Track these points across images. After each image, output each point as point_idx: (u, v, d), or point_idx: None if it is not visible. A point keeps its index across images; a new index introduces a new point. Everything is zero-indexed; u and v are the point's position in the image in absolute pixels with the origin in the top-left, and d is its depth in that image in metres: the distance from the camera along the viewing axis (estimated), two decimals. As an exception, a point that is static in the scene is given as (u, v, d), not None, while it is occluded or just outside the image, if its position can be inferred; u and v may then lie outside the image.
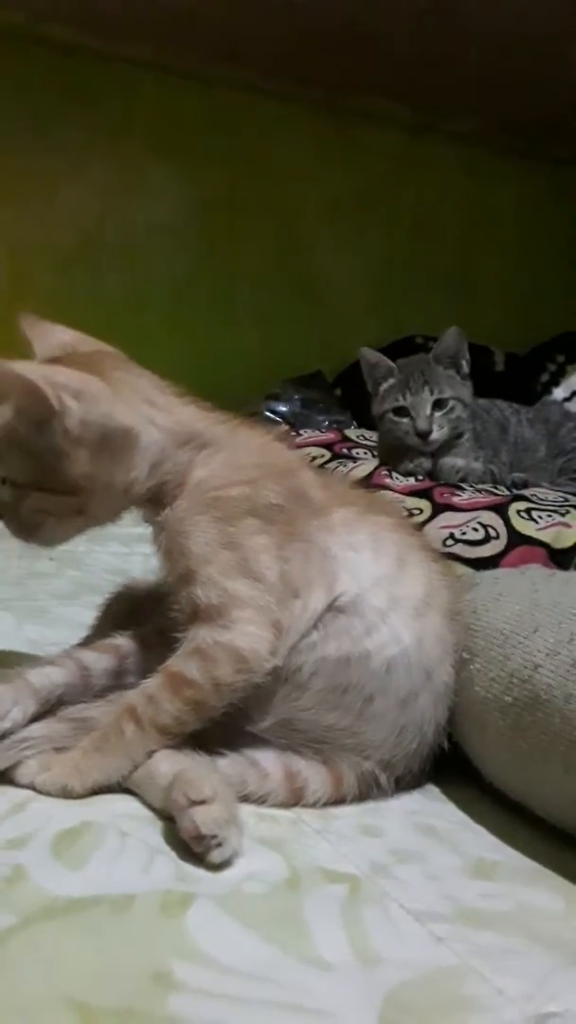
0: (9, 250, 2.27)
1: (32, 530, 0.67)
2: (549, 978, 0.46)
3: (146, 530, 1.92)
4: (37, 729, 0.63)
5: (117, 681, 0.68)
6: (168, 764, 0.60)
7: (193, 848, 0.53)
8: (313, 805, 0.63)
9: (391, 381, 1.61)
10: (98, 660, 0.69)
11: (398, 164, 2.64)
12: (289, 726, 0.64)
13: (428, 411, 1.56)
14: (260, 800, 0.62)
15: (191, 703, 0.61)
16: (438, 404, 1.57)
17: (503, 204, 2.76)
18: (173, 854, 0.55)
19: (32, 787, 0.60)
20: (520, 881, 0.57)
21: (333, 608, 0.64)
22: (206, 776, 0.57)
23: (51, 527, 0.68)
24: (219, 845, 0.53)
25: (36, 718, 0.64)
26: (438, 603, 0.68)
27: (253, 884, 0.52)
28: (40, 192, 2.28)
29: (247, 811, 0.60)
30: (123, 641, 0.70)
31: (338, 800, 0.64)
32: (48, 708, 0.65)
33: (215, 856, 0.53)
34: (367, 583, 0.65)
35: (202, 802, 0.54)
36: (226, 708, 0.62)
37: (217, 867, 0.53)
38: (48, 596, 1.19)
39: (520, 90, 2.34)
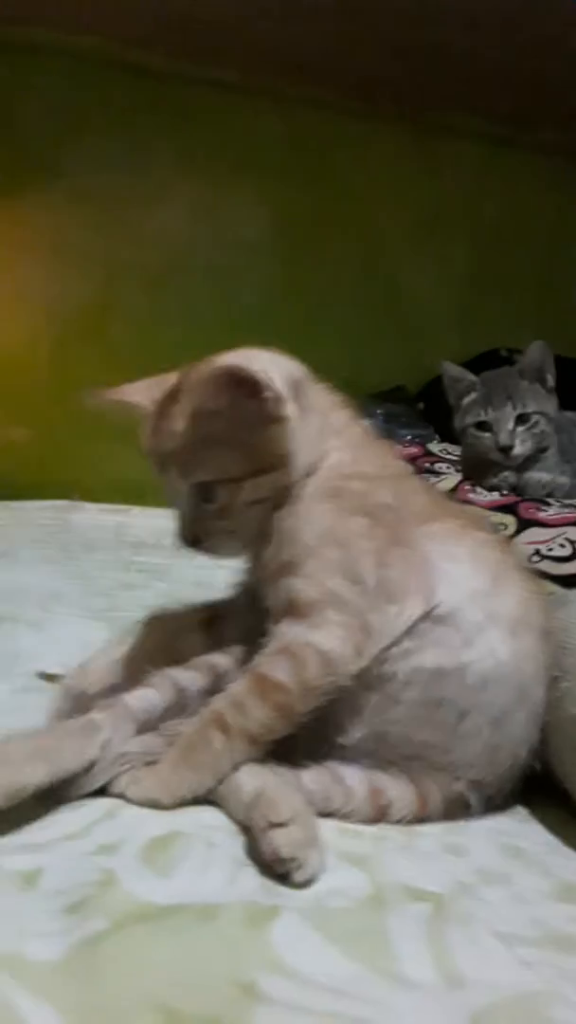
0: (98, 269, 2.34)
1: (241, 532, 0.69)
2: None
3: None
4: (134, 744, 0.64)
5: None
6: (251, 779, 0.60)
7: (274, 869, 0.54)
8: (397, 823, 0.63)
9: (473, 395, 1.60)
10: (193, 680, 0.69)
11: (480, 177, 2.62)
12: (381, 740, 0.64)
13: (511, 426, 1.54)
14: (344, 816, 0.62)
15: (279, 708, 0.60)
16: (521, 419, 1.55)
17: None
18: (258, 867, 0.55)
19: (124, 799, 0.62)
20: (609, 907, 0.55)
21: (430, 618, 0.64)
22: (287, 797, 0.57)
23: (255, 521, 0.68)
24: (299, 867, 0.53)
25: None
26: (532, 621, 0.67)
27: (337, 899, 0.53)
28: (132, 214, 2.35)
29: (330, 826, 0.61)
30: (219, 659, 0.70)
31: (422, 819, 0.64)
32: (148, 728, 0.66)
33: (296, 877, 0.53)
34: (465, 596, 0.65)
35: (281, 824, 0.54)
36: (313, 714, 0.62)
37: (299, 886, 0.53)
38: (137, 607, 1.21)
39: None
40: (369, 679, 0.63)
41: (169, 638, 0.76)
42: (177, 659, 0.70)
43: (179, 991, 0.43)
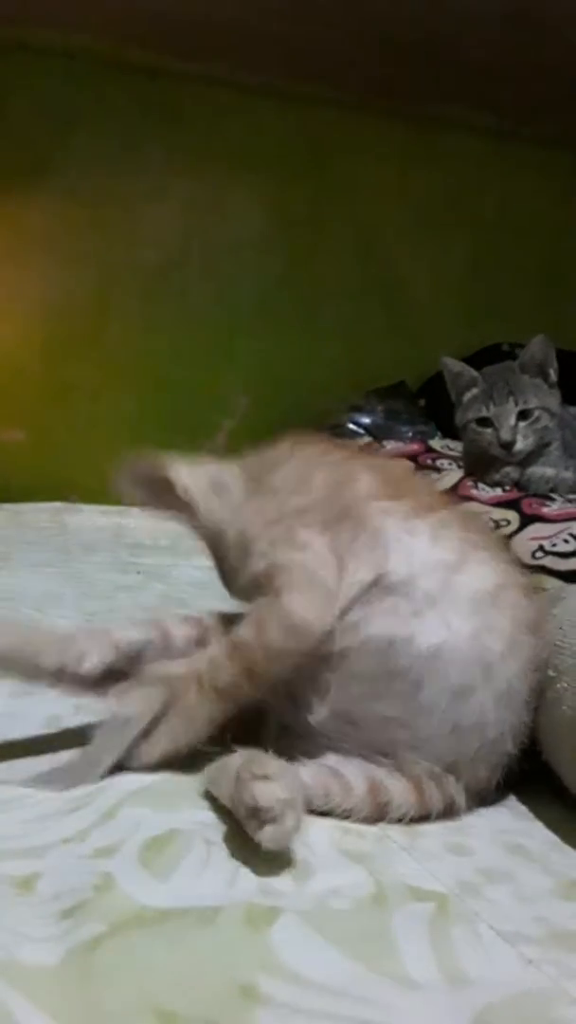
0: (94, 269, 2.34)
1: None
2: None
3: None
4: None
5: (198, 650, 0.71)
6: (242, 759, 0.60)
7: (245, 825, 0.54)
8: (399, 821, 0.62)
9: (474, 391, 1.59)
10: (180, 627, 0.73)
11: (481, 171, 2.61)
12: (345, 718, 0.65)
13: (512, 421, 1.53)
14: (344, 815, 0.61)
15: (245, 667, 0.63)
16: (523, 415, 1.54)
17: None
18: (257, 867, 0.55)
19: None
20: (614, 904, 0.55)
21: (380, 585, 0.65)
22: (276, 761, 0.57)
23: None
24: (273, 820, 0.53)
25: (115, 671, 0.69)
26: (507, 602, 0.67)
27: (338, 899, 0.52)
28: (127, 213, 2.35)
29: (333, 825, 0.60)
30: (207, 617, 0.75)
31: (423, 815, 0.63)
32: (127, 663, 0.69)
33: (267, 833, 0.53)
34: (420, 567, 0.65)
35: (265, 777, 0.54)
36: (283, 685, 0.65)
37: (270, 851, 0.53)
38: (136, 609, 1.21)
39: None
40: (329, 657, 0.65)
41: None
42: None
43: (177, 994, 0.43)
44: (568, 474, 1.55)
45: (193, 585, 1.42)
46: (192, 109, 2.36)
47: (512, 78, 2.27)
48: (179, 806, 0.61)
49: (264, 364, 2.45)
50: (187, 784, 0.64)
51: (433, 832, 0.62)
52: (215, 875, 0.53)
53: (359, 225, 2.53)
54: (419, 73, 2.29)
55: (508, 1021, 0.43)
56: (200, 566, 1.58)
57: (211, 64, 2.27)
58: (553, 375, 1.58)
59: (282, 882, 0.53)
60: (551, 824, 0.66)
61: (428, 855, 0.59)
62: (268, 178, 2.44)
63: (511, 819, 0.66)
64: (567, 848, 0.62)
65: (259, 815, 0.53)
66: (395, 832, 0.61)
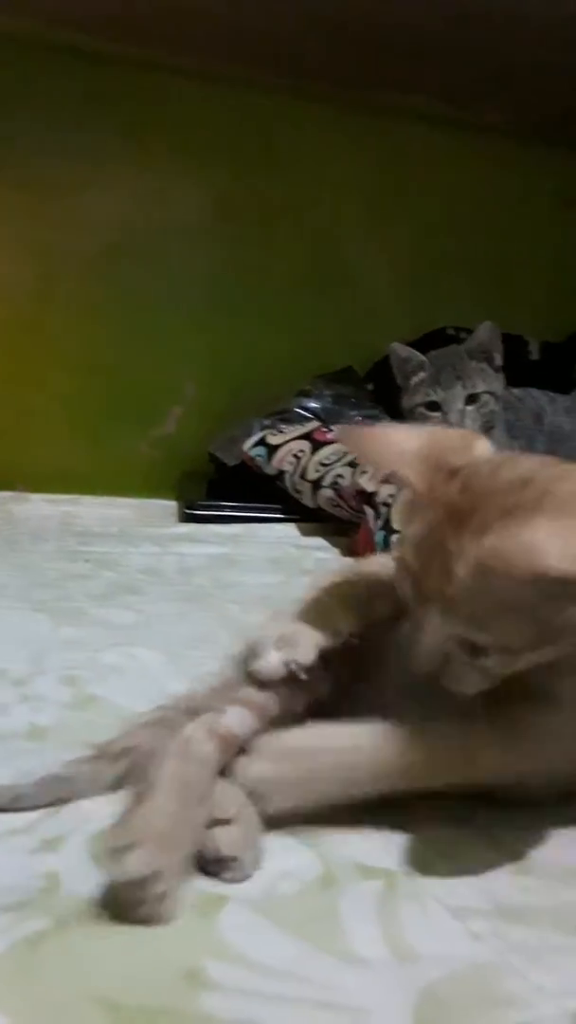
0: (35, 256, 2.29)
1: (487, 681, 0.57)
2: (589, 974, 0.45)
3: (177, 529, 1.90)
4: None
5: None
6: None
7: (208, 867, 0.52)
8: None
9: (422, 375, 1.60)
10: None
11: (427, 158, 2.61)
12: None
13: (460, 405, 1.55)
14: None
15: None
16: (471, 399, 1.56)
17: (535, 195, 2.72)
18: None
19: None
20: (558, 877, 0.56)
21: None
22: (231, 792, 0.55)
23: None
24: (236, 866, 0.52)
25: None
26: None
27: (287, 883, 0.52)
28: (64, 198, 2.30)
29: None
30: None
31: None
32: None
33: (227, 877, 0.52)
34: None
35: (226, 821, 0.53)
36: None
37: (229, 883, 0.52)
38: (84, 597, 1.19)
39: (551, 80, 2.30)
40: None
41: None
42: None
43: (123, 984, 0.42)
44: (513, 456, 1.57)
45: (143, 572, 1.41)
46: (136, 95, 2.32)
47: (461, 67, 2.27)
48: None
49: (212, 351, 2.43)
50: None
51: (382, 810, 0.62)
52: (162, 863, 0.53)
53: (308, 212, 2.52)
54: (368, 61, 2.27)
55: (455, 995, 0.44)
56: (150, 552, 1.57)
57: (154, 49, 2.23)
58: (499, 360, 1.60)
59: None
60: (496, 799, 0.66)
61: (377, 833, 0.59)
62: (213, 165, 2.41)
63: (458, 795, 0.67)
64: (516, 822, 0.63)
65: (223, 864, 0.52)
66: (343, 813, 0.61)
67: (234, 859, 0.52)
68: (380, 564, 0.69)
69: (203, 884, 0.51)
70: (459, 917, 0.50)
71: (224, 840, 0.52)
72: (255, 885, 0.52)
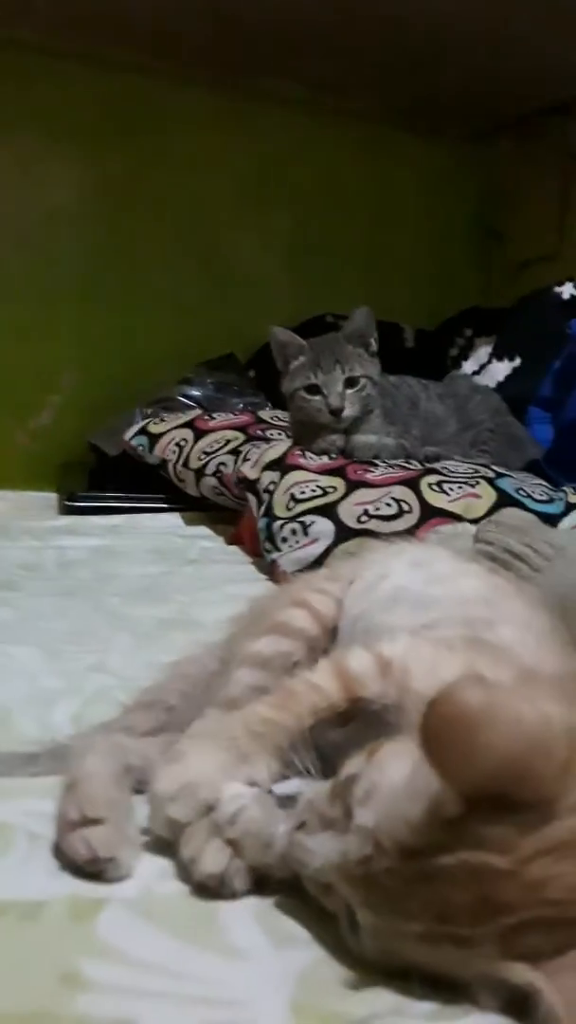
0: None
1: None
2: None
3: (57, 522, 1.85)
4: None
5: None
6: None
7: (86, 868, 0.51)
8: None
9: (301, 359, 1.61)
10: None
11: (298, 143, 2.62)
12: None
13: (340, 388, 1.57)
14: None
15: None
16: (349, 382, 1.58)
17: (406, 182, 2.77)
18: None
19: None
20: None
21: None
22: (105, 788, 0.55)
23: None
24: (111, 866, 0.51)
25: None
26: None
27: (166, 883, 0.51)
28: None
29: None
30: None
31: None
32: None
33: (109, 875, 0.51)
34: None
35: (96, 821, 0.52)
36: None
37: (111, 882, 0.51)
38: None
39: (418, 69, 2.35)
40: None
41: None
42: None
43: (-2, 992, 0.41)
44: (389, 440, 1.61)
45: (22, 567, 1.37)
46: (3, 75, 2.24)
47: (329, 52, 2.28)
48: (3, 796, 0.59)
49: (89, 338, 2.38)
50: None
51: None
52: (39, 867, 0.52)
53: (183, 196, 2.49)
54: (239, 45, 2.26)
55: (334, 973, 0.44)
56: (29, 547, 1.53)
57: (21, 29, 2.16)
58: (374, 345, 1.63)
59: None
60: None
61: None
62: (83, 146, 2.35)
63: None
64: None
65: (98, 864, 0.51)
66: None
67: (110, 859, 0.51)
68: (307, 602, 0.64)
69: (80, 888, 0.50)
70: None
71: (98, 840, 0.51)
72: (132, 885, 0.51)
